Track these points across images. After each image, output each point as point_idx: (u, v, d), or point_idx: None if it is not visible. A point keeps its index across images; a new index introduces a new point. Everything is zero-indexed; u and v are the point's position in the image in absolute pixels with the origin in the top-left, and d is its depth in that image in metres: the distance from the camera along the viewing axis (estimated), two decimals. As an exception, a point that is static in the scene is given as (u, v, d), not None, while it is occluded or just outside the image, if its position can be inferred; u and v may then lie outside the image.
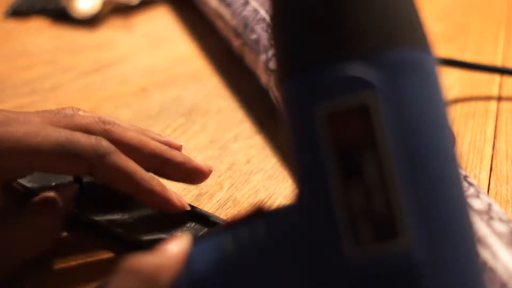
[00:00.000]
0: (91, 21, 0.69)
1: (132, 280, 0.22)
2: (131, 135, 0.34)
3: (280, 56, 0.22)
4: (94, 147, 0.31)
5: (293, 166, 0.22)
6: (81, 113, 0.35)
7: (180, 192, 0.39)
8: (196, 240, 0.24)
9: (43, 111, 0.34)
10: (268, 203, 0.39)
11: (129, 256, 0.23)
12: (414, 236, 0.20)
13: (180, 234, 0.25)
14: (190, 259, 0.23)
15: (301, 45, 0.21)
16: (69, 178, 0.38)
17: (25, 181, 0.37)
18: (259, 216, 0.23)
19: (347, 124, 0.20)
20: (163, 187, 0.34)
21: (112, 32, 0.67)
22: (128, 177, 0.32)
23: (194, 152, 0.44)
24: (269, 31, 0.23)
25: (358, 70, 0.20)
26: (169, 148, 0.36)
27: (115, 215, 0.35)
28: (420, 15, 0.22)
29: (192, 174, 0.36)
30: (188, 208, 0.35)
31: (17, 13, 0.71)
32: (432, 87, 0.21)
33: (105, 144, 0.32)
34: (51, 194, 0.33)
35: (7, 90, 0.54)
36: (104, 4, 0.70)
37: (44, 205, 0.33)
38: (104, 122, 0.34)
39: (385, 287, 0.20)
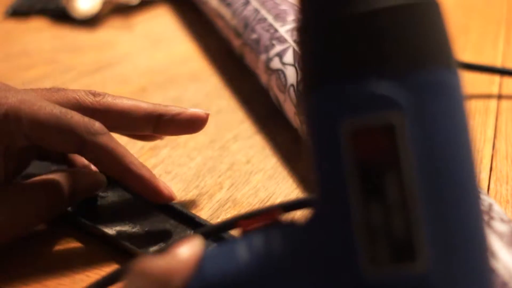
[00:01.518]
0: (91, 21, 0.69)
1: (143, 282, 0.22)
2: (122, 101, 0.35)
3: (308, 67, 0.22)
4: (87, 125, 0.32)
5: (312, 180, 0.22)
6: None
7: (180, 193, 0.39)
8: (209, 244, 0.23)
9: (36, 88, 0.34)
10: (269, 203, 0.39)
11: (141, 258, 0.23)
12: (432, 260, 0.19)
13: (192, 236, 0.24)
14: (202, 264, 0.23)
15: (332, 59, 0.21)
16: None
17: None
18: (274, 226, 0.23)
19: (372, 142, 0.20)
20: (152, 174, 0.34)
21: (112, 32, 0.67)
22: (117, 159, 0.33)
23: (194, 152, 0.44)
24: (297, 40, 0.23)
25: (387, 89, 0.20)
26: (162, 104, 0.36)
27: (125, 227, 0.35)
28: (450, 34, 0.22)
29: (190, 123, 0.36)
30: (176, 198, 0.35)
31: (17, 13, 0.71)
32: (458, 109, 0.21)
33: (97, 125, 0.33)
34: (54, 176, 0.34)
35: (7, 90, 0.54)
36: (104, 4, 0.70)
37: (35, 187, 0.33)
38: (94, 94, 0.35)
39: None
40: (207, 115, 0.37)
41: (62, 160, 0.38)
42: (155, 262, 0.22)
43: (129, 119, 0.35)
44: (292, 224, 0.23)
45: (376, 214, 0.20)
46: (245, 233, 0.23)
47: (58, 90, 0.34)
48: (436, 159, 0.20)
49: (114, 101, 0.35)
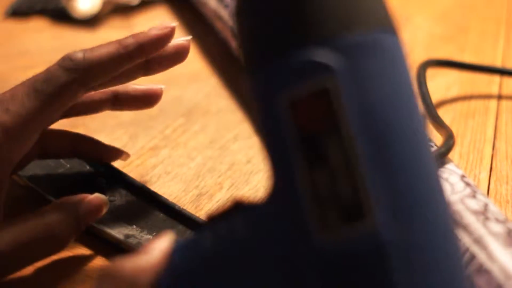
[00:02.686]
0: (91, 21, 0.69)
1: (111, 285, 0.22)
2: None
3: (243, 48, 0.22)
4: (61, 65, 0.32)
5: (266, 156, 0.22)
6: None
7: (180, 193, 0.39)
8: (180, 240, 0.24)
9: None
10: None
11: (111, 261, 0.23)
12: (380, 217, 0.20)
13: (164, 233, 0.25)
14: (171, 258, 0.23)
15: (260, 36, 0.21)
16: (63, 169, 0.38)
17: (25, 173, 0.37)
18: (237, 210, 0.23)
19: (309, 110, 0.20)
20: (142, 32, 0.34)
21: (112, 32, 0.67)
22: (113, 59, 0.33)
23: (194, 152, 0.44)
24: (234, 26, 0.23)
25: (317, 54, 0.20)
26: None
27: (132, 231, 0.35)
28: None
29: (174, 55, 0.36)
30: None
31: (17, 13, 0.71)
32: (396, 66, 0.21)
33: (66, 58, 0.32)
34: (71, 201, 0.32)
35: (7, 90, 0.54)
36: (104, 4, 0.70)
37: (56, 212, 0.32)
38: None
39: (354, 269, 0.20)
40: (188, 42, 0.37)
41: (65, 155, 0.38)
42: (124, 263, 0.23)
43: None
44: (253, 206, 0.23)
45: (322, 179, 0.20)
46: (209, 221, 0.24)
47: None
48: (375, 118, 0.20)
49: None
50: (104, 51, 0.33)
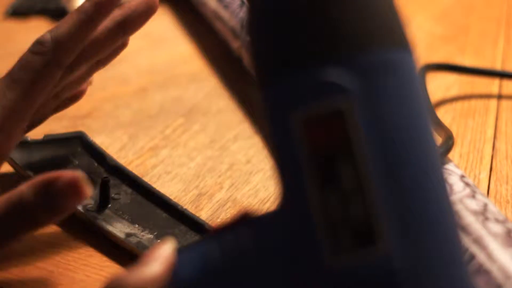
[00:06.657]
0: (91, 21, 0.69)
1: None
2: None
3: (257, 62, 0.22)
4: (32, 51, 0.33)
5: (275, 171, 0.22)
6: None
7: (180, 193, 0.40)
8: (182, 248, 0.24)
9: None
10: (269, 203, 0.39)
11: (115, 274, 0.23)
12: (393, 243, 0.19)
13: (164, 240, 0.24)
14: (176, 268, 0.23)
15: (276, 52, 0.21)
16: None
17: (33, 170, 0.38)
18: (245, 223, 0.23)
19: (322, 130, 0.20)
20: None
21: (112, 32, 0.67)
22: (78, 28, 0.32)
23: (194, 152, 0.44)
24: (246, 38, 0.23)
25: (332, 75, 0.20)
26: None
27: (134, 230, 0.35)
28: (399, 13, 0.22)
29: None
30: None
31: (17, 13, 0.71)
32: (411, 87, 0.21)
33: (35, 43, 0.33)
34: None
35: (7, 90, 0.54)
36: (104, 4, 0.70)
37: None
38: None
39: None
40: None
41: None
42: (129, 277, 0.22)
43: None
44: (260, 219, 0.23)
45: (334, 201, 0.20)
46: (216, 232, 0.23)
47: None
48: (389, 141, 0.20)
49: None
50: (68, 24, 0.33)
